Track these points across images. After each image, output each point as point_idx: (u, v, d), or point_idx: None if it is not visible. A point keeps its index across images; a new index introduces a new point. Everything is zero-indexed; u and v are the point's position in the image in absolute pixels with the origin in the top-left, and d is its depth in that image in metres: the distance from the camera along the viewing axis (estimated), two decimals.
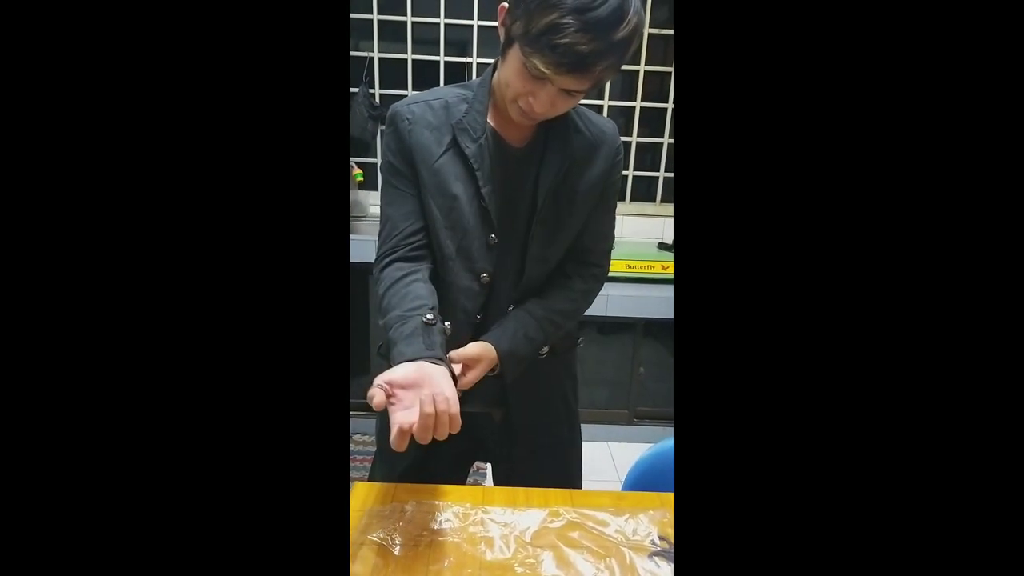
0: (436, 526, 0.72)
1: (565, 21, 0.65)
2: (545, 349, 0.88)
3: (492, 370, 0.82)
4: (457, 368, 0.77)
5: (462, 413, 0.90)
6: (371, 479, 0.95)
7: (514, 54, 0.71)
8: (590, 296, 0.91)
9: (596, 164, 0.85)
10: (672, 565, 0.67)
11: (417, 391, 0.65)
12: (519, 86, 0.73)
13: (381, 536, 0.69)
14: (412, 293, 0.78)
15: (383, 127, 0.86)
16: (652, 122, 2.37)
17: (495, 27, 0.76)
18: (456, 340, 0.84)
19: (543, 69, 0.69)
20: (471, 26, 2.22)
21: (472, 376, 0.78)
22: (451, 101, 0.82)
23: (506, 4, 0.72)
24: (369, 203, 2.19)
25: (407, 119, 0.81)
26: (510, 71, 0.73)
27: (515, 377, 0.84)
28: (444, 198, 0.80)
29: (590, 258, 0.90)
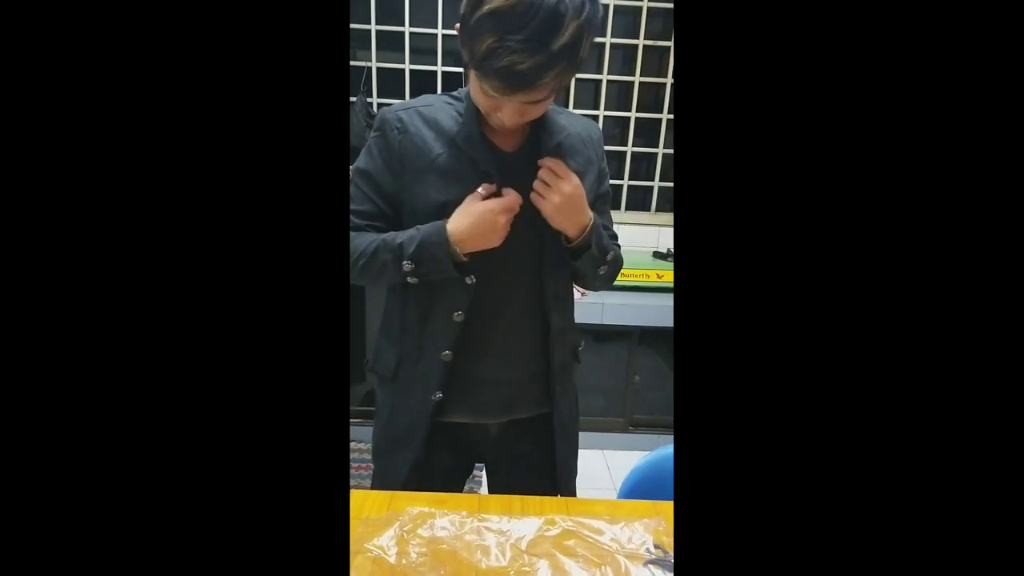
0: (432, 534, 0.72)
1: (498, 45, 0.65)
2: (606, 267, 0.88)
3: (568, 240, 0.82)
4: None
5: (458, 424, 0.90)
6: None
7: (473, 76, 0.73)
8: (620, 255, 0.93)
9: (592, 160, 0.87)
10: (668, 574, 0.68)
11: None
12: (485, 104, 0.75)
13: (376, 545, 0.69)
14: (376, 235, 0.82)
15: (374, 133, 0.85)
16: (647, 132, 2.38)
17: None
18: (448, 335, 0.84)
19: (492, 93, 0.70)
20: None
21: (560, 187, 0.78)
22: (439, 107, 0.83)
23: (458, 27, 0.73)
24: None
25: (396, 128, 0.81)
26: (474, 91, 0.75)
27: (585, 259, 0.84)
28: (435, 205, 0.80)
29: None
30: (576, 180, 0.79)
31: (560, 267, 0.85)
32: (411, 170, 0.81)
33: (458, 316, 0.83)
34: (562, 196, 0.78)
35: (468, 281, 0.82)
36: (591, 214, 0.82)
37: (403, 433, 0.90)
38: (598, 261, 0.85)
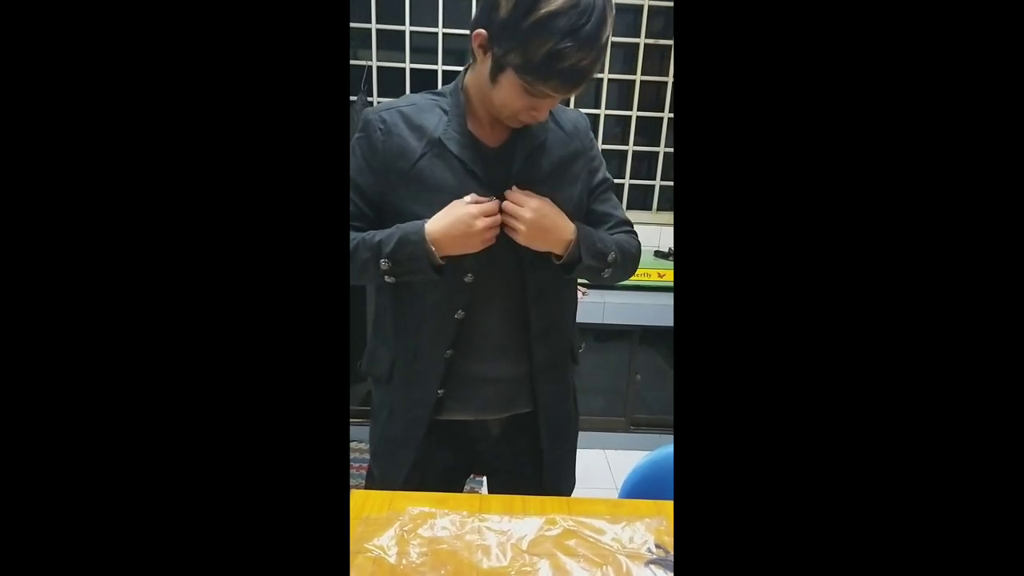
0: (432, 534, 0.72)
1: (563, 46, 0.66)
2: (610, 268, 0.86)
3: (558, 257, 0.82)
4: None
5: (457, 422, 0.90)
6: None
7: (509, 80, 0.72)
8: (630, 245, 0.91)
9: (579, 151, 0.87)
10: (669, 573, 0.68)
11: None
12: (521, 105, 0.74)
13: (377, 544, 0.69)
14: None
15: (358, 134, 0.84)
16: (648, 131, 2.38)
17: None
18: (447, 334, 0.83)
19: (551, 93, 0.71)
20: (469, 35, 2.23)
21: (528, 216, 0.77)
22: (423, 105, 0.83)
23: (483, 31, 0.73)
24: None
25: (380, 128, 0.81)
26: (508, 95, 0.74)
27: (581, 270, 0.83)
28: (420, 207, 0.80)
29: (609, 223, 0.92)
30: (535, 203, 0.79)
31: (542, 265, 0.84)
32: (395, 171, 0.81)
33: (459, 315, 0.83)
34: (525, 223, 0.78)
35: (466, 279, 0.82)
36: (571, 228, 0.82)
37: (401, 434, 0.90)
38: (596, 268, 0.85)
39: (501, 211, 0.79)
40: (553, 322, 0.90)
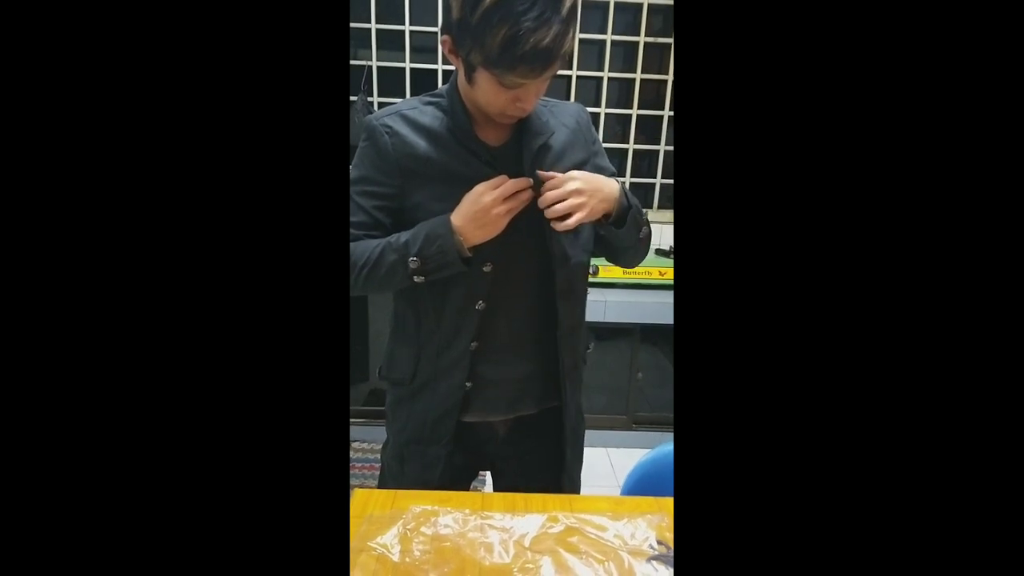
0: (435, 532, 0.72)
1: (515, 31, 0.65)
2: (646, 227, 0.86)
3: (608, 216, 0.81)
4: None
5: (464, 423, 0.90)
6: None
7: (483, 77, 0.72)
8: (648, 229, 0.90)
9: (583, 156, 0.87)
10: (670, 569, 0.68)
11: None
12: (503, 100, 0.74)
13: (380, 543, 0.70)
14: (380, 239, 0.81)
15: (363, 143, 0.84)
16: (649, 129, 2.38)
17: None
18: (470, 326, 0.83)
19: (521, 80, 0.70)
20: None
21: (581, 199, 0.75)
22: (421, 108, 0.83)
23: (447, 37, 0.72)
24: None
25: (386, 133, 0.81)
26: (487, 92, 0.74)
27: (630, 220, 0.82)
28: (450, 199, 0.79)
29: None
30: (574, 172, 0.78)
31: (569, 261, 0.84)
32: (410, 173, 0.81)
33: (480, 305, 0.82)
34: (583, 193, 0.76)
35: (485, 269, 0.81)
36: (611, 180, 0.81)
37: (430, 432, 0.89)
38: (637, 224, 0.84)
39: (547, 199, 0.77)
40: (576, 320, 0.90)
